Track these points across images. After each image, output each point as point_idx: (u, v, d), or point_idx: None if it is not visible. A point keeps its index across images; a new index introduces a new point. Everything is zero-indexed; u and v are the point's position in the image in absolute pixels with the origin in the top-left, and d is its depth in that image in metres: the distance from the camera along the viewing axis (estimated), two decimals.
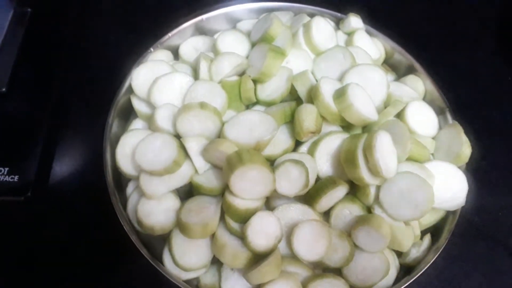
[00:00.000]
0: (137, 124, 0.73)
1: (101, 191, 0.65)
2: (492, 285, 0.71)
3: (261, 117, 0.63)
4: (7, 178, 0.69)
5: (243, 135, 0.61)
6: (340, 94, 0.62)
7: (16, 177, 0.70)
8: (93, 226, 0.70)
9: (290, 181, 0.59)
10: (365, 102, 0.63)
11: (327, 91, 0.63)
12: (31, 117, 0.78)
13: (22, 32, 0.88)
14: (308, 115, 0.62)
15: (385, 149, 0.59)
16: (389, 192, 0.61)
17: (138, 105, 0.72)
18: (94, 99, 0.79)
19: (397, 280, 0.61)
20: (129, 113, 0.76)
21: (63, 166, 0.76)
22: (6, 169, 0.70)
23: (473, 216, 0.65)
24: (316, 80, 0.69)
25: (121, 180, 0.69)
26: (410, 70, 0.81)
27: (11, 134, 0.75)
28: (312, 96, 0.64)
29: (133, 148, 0.64)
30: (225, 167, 0.58)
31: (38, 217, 0.71)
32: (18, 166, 0.71)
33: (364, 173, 0.59)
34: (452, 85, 0.77)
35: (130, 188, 0.67)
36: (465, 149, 0.67)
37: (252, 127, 0.62)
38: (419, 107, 0.72)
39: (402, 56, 0.82)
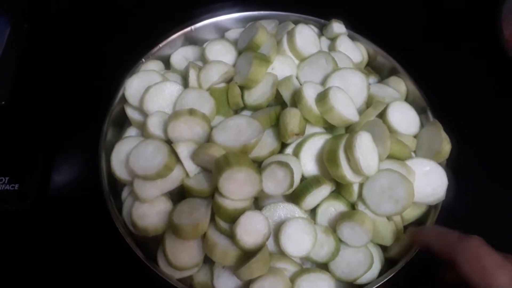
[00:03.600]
0: (131, 131, 0.76)
1: (98, 197, 0.68)
2: None
3: (248, 122, 0.66)
4: (8, 187, 0.72)
5: (231, 139, 0.64)
6: (322, 98, 0.65)
7: (16, 186, 0.73)
8: (91, 231, 0.73)
9: (276, 182, 0.62)
10: (346, 104, 0.67)
11: (309, 95, 0.66)
12: (31, 128, 0.81)
13: (20, 47, 0.91)
14: (292, 118, 0.65)
15: (365, 148, 0.62)
16: (371, 189, 0.63)
17: (132, 114, 0.75)
18: (90, 109, 0.82)
19: (382, 272, 0.64)
20: (123, 122, 0.79)
21: (61, 174, 0.79)
22: (7, 178, 0.73)
23: (454, 210, 0.68)
24: (301, 85, 0.73)
25: (117, 185, 0.72)
26: (393, 72, 0.84)
27: (12, 144, 0.78)
28: (296, 100, 0.67)
29: (127, 155, 0.68)
30: (214, 170, 0.61)
31: (38, 225, 0.74)
32: (19, 175, 0.74)
33: (346, 172, 0.62)
34: (433, 85, 0.80)
35: (125, 193, 0.70)
36: (445, 145, 0.69)
37: (239, 131, 0.65)
38: (400, 107, 0.75)
39: (384, 59, 0.85)
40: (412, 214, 0.68)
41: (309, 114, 0.66)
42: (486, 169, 0.83)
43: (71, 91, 0.87)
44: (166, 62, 0.84)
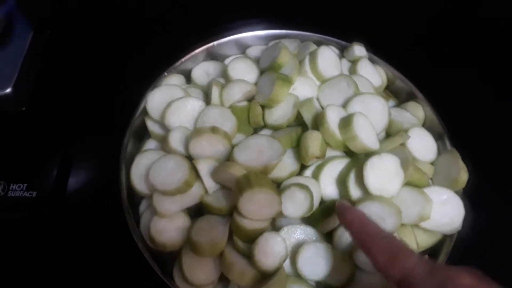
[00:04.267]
0: (150, 144, 0.76)
1: (115, 209, 0.69)
2: None
3: (269, 142, 0.67)
4: (26, 194, 0.73)
5: (252, 159, 0.65)
6: (346, 124, 0.66)
7: (34, 193, 0.73)
8: (107, 242, 0.73)
9: (296, 204, 0.62)
10: (368, 132, 0.67)
11: (332, 119, 0.67)
12: (50, 136, 0.82)
13: (41, 54, 0.92)
14: (313, 141, 0.66)
15: (384, 170, 0.63)
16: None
17: (152, 127, 0.76)
18: (110, 119, 0.83)
19: None
20: (142, 134, 0.79)
21: (79, 184, 0.79)
22: (25, 185, 0.74)
23: (470, 240, 0.68)
24: (322, 107, 0.73)
25: (134, 198, 0.73)
26: (411, 97, 0.85)
27: (31, 151, 0.79)
28: (318, 123, 0.67)
29: (147, 168, 0.68)
30: (235, 189, 0.61)
31: (54, 233, 0.75)
32: (37, 183, 0.74)
33: (353, 193, 0.63)
34: (451, 111, 0.81)
35: (143, 206, 0.71)
36: (462, 174, 0.70)
37: (260, 151, 0.66)
38: (418, 133, 0.75)
39: (403, 83, 0.86)
40: (427, 242, 0.68)
41: (331, 139, 0.66)
42: (504, 198, 0.83)
43: (91, 100, 0.88)
44: (188, 76, 0.85)
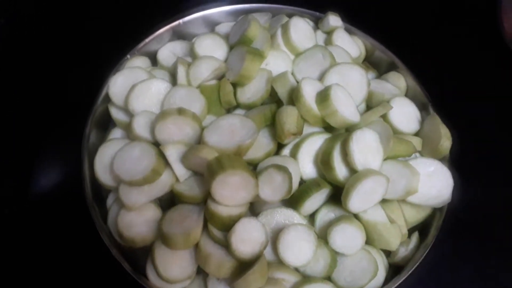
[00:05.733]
0: (116, 133, 0.71)
1: (80, 205, 0.64)
2: (484, 278, 0.71)
3: (242, 121, 0.62)
4: None
5: (224, 140, 0.60)
6: (323, 99, 0.61)
7: None
8: (73, 241, 0.68)
9: (274, 187, 0.57)
10: (347, 104, 0.63)
11: (308, 93, 0.62)
12: (6, 131, 0.75)
13: None
14: (288, 117, 0.61)
15: (366, 146, 0.59)
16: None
17: (116, 114, 0.70)
18: (71, 108, 0.77)
19: (387, 280, 0.60)
20: (107, 122, 0.74)
21: (41, 180, 0.73)
22: None
23: (459, 212, 0.65)
24: (297, 81, 0.68)
25: (101, 192, 0.67)
26: (391, 67, 0.81)
27: None
28: (294, 98, 0.63)
29: (112, 159, 0.63)
30: (206, 174, 0.56)
31: (17, 234, 0.69)
32: None
33: (340, 175, 0.59)
34: (434, 80, 0.77)
35: (110, 200, 0.65)
36: (444, 141, 0.66)
37: (232, 131, 0.61)
38: (401, 103, 0.71)
39: (383, 54, 0.81)
40: (416, 217, 0.64)
41: (308, 114, 0.62)
42: (494, 167, 0.79)
43: (50, 90, 0.82)
44: (153, 59, 0.79)
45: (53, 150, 0.77)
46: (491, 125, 0.84)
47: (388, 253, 0.64)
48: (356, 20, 0.83)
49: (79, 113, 0.70)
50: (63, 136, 0.76)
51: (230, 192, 0.56)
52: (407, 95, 0.77)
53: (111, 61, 0.74)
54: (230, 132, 0.61)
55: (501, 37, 0.89)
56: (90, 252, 0.65)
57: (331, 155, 0.59)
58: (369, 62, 0.84)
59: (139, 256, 0.63)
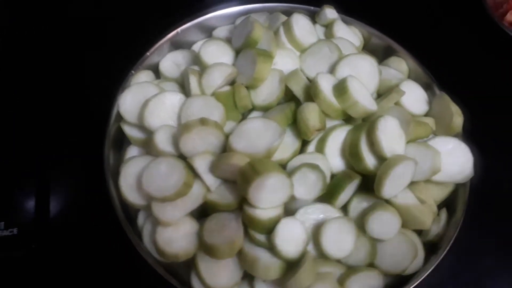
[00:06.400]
0: (132, 151, 0.70)
1: (108, 228, 0.63)
2: None
3: (265, 124, 0.62)
4: (6, 233, 0.64)
5: (251, 145, 0.60)
6: (342, 92, 0.62)
7: (15, 230, 0.65)
8: (112, 267, 0.66)
9: (308, 186, 0.58)
10: (364, 94, 0.64)
11: (326, 88, 0.63)
12: (19, 164, 0.73)
13: None
14: (311, 114, 0.61)
15: (390, 132, 0.60)
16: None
17: (130, 131, 0.69)
18: (82, 133, 0.75)
19: (426, 259, 0.62)
20: (121, 141, 0.72)
21: (61, 210, 0.71)
22: (2, 223, 0.65)
23: (482, 185, 0.67)
24: (308, 78, 0.69)
25: (128, 212, 0.66)
26: (389, 52, 0.82)
27: (1, 185, 0.70)
28: (312, 94, 0.63)
29: (137, 177, 0.62)
30: (240, 180, 0.57)
31: (48, 270, 0.67)
32: (15, 218, 0.66)
33: (370, 164, 0.60)
34: (434, 59, 0.79)
35: (141, 219, 0.64)
36: (456, 118, 0.68)
37: (258, 135, 0.61)
38: (408, 87, 0.73)
39: (379, 40, 0.83)
40: (441, 194, 0.67)
41: (329, 108, 0.63)
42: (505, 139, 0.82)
43: (57, 115, 0.79)
44: (156, 71, 0.78)
45: (70, 177, 0.75)
46: (495, 95, 0.87)
47: (419, 233, 0.66)
48: (349, 10, 0.84)
49: (93, 135, 0.69)
50: (79, 161, 0.74)
51: (267, 195, 0.56)
52: (409, 77, 0.79)
53: (117, 79, 0.73)
54: (256, 136, 0.61)
55: (487, 13, 0.92)
56: (130, 275, 0.64)
57: (358, 146, 0.60)
58: (365, 49, 0.85)
59: (178, 270, 0.62)
